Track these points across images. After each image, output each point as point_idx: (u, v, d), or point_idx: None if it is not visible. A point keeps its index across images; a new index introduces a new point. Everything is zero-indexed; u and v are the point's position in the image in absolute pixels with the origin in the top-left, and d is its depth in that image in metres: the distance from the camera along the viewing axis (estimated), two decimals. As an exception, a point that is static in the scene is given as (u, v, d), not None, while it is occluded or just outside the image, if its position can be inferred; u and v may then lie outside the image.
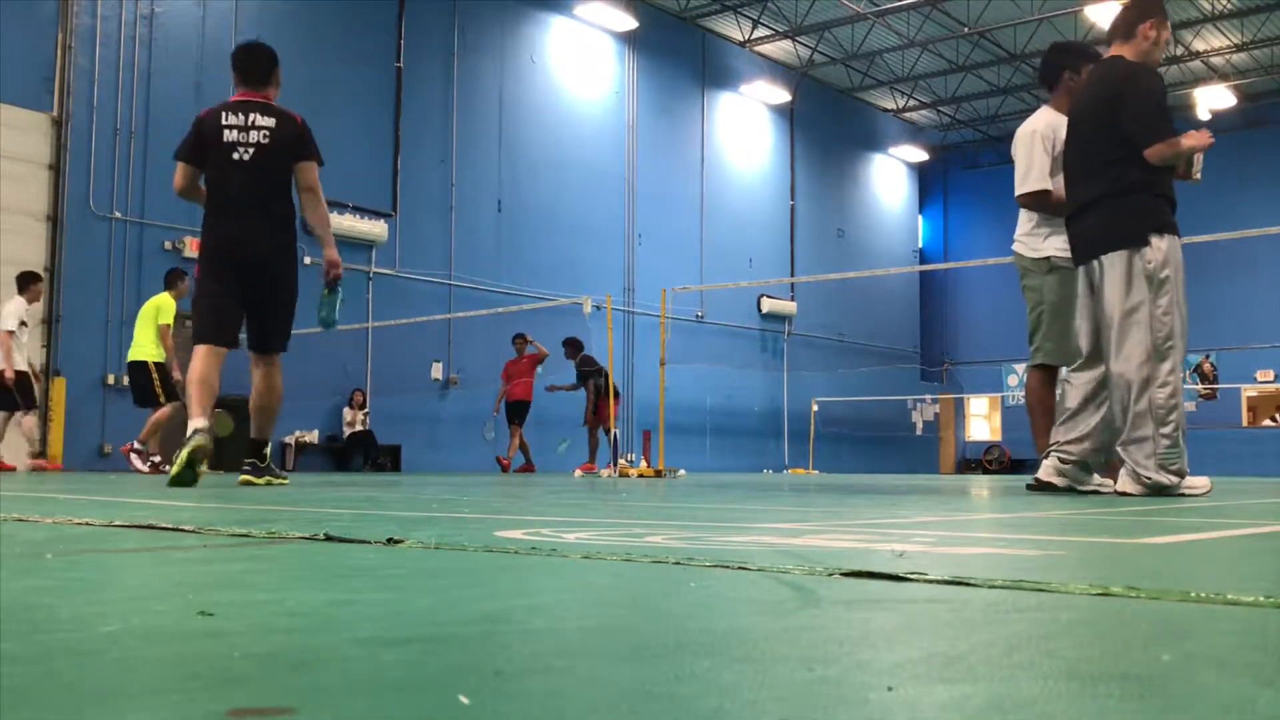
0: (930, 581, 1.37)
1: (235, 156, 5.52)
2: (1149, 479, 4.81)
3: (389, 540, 1.98)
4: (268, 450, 5.90)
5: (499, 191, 18.32)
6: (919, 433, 28.12)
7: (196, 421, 5.47)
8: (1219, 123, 23.48)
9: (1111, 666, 0.85)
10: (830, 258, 24.88)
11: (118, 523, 2.51)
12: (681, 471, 12.44)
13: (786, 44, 23.50)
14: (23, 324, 11.17)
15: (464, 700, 0.72)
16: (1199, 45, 22.98)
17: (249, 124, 5.57)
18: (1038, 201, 5.73)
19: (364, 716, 0.69)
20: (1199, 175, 5.15)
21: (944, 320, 29.53)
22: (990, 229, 28.64)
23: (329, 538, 2.07)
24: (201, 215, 5.75)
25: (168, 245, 14.19)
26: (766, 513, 3.42)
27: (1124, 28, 5.17)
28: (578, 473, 12.90)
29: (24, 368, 11.18)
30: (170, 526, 2.34)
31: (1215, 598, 1.23)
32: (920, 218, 29.70)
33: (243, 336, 5.86)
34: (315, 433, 15.46)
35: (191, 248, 14.32)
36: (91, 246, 13.53)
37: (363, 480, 8.33)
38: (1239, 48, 22.99)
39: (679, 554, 1.73)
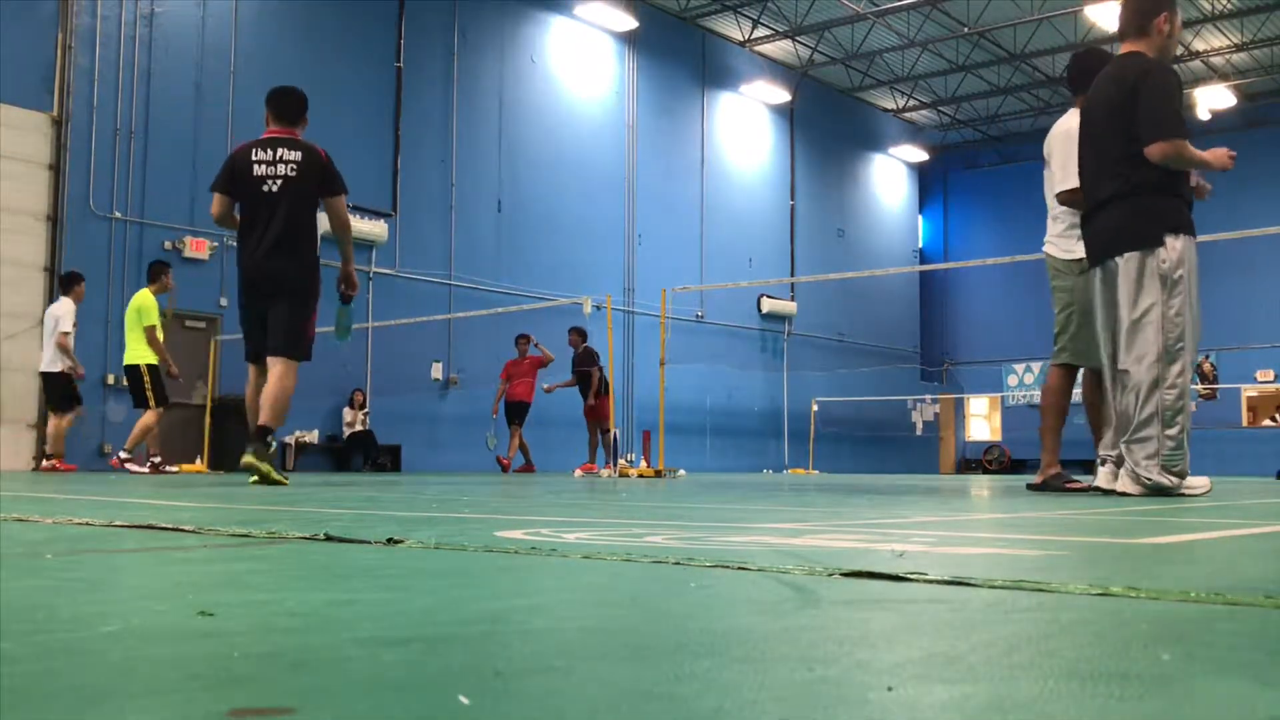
0: (930, 581, 1.37)
1: (264, 189, 6.05)
2: (1149, 479, 4.80)
3: (389, 540, 1.98)
4: (272, 438, 6.20)
5: (499, 191, 18.32)
6: (919, 433, 28.12)
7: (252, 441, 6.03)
8: (1219, 122, 23.50)
9: (1111, 666, 0.85)
10: (830, 258, 24.88)
11: (118, 523, 2.51)
12: (681, 471, 12.43)
13: (786, 44, 23.50)
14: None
15: (464, 700, 0.72)
16: (1199, 45, 22.98)
17: (277, 158, 6.10)
18: (1078, 199, 5.67)
19: (364, 716, 0.69)
20: (1208, 184, 5.13)
21: (944, 320, 29.53)
22: (990, 229, 28.68)
23: (329, 538, 2.07)
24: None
25: (168, 245, 14.19)
26: (766, 513, 3.42)
27: (1137, 23, 5.11)
28: (578, 473, 12.90)
29: (60, 368, 11.25)
30: (170, 526, 2.34)
31: (1215, 598, 1.23)
32: (920, 218, 29.71)
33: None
34: (315, 433, 15.46)
35: (191, 248, 14.34)
36: (91, 246, 13.53)
37: (363, 480, 8.33)
38: (1239, 48, 22.99)
39: (679, 554, 1.73)
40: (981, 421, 30.28)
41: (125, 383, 11.27)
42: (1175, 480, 4.80)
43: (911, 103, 27.05)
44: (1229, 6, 21.39)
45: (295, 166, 6.08)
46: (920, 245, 29.50)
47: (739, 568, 1.54)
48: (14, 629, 1.01)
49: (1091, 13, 20.64)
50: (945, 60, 24.37)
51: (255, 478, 5.98)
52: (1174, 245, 4.84)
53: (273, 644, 0.95)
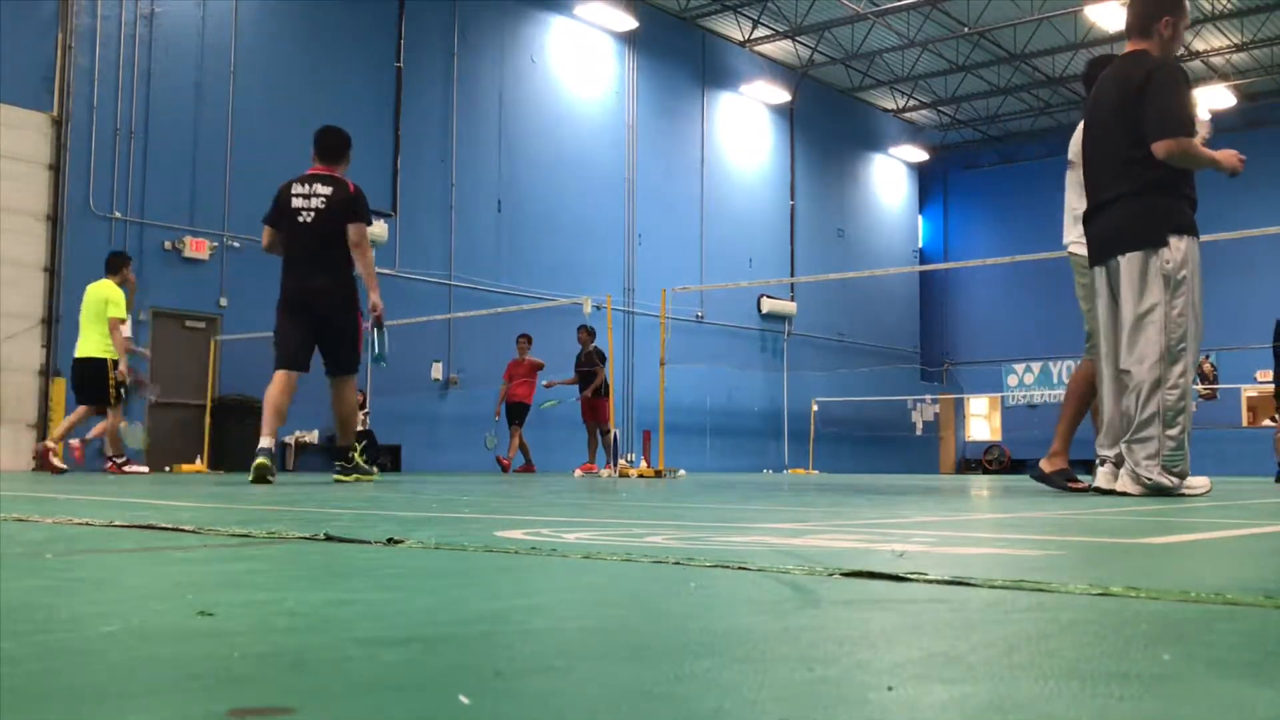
0: (930, 581, 1.37)
1: (300, 220, 6.79)
2: (1149, 480, 4.80)
3: (389, 540, 1.98)
4: (354, 453, 7.02)
5: (499, 191, 18.32)
6: (919, 433, 28.12)
7: (263, 441, 6.54)
8: (1219, 122, 23.47)
9: (1111, 666, 0.85)
10: (830, 258, 24.89)
11: (118, 523, 2.51)
12: (681, 471, 12.43)
13: (786, 44, 23.50)
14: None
15: (464, 700, 0.72)
16: (1199, 45, 22.99)
17: (311, 193, 6.82)
18: None
19: (364, 716, 0.69)
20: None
21: (944, 320, 29.54)
22: (990, 229, 28.70)
23: (329, 538, 2.07)
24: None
25: (168, 245, 14.19)
26: (766, 513, 3.42)
27: (1141, 24, 5.10)
28: (578, 473, 12.90)
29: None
30: (170, 526, 2.34)
31: (1215, 598, 1.23)
32: (920, 218, 29.71)
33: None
34: (315, 433, 15.46)
35: (191, 248, 14.34)
36: (91, 246, 13.52)
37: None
38: (1239, 48, 23.00)
39: (679, 554, 1.73)
40: (981, 421, 30.28)
41: (73, 379, 10.41)
42: (1175, 480, 4.80)
43: (911, 103, 27.05)
44: (1229, 6, 21.39)
45: (326, 199, 6.79)
46: (920, 245, 29.50)
47: (739, 568, 1.54)
48: (14, 629, 1.01)
49: (1091, 13, 20.65)
50: (945, 60, 24.38)
51: (336, 476, 6.97)
52: (1178, 246, 4.83)
53: (273, 644, 0.95)
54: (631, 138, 20.78)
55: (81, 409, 10.31)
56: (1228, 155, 4.90)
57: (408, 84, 17.06)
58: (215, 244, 14.59)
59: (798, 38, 23.11)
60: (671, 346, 13.63)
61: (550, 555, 1.76)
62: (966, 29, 22.11)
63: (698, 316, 21.55)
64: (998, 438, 29.00)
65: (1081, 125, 5.83)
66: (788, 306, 23.73)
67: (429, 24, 17.43)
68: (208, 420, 13.72)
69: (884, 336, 27.00)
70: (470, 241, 17.76)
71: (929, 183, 29.95)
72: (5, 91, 12.93)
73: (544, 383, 14.81)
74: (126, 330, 10.39)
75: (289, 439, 15.08)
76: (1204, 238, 5.11)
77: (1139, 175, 4.89)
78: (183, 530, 2.28)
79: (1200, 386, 24.62)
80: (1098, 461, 5.32)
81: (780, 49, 23.72)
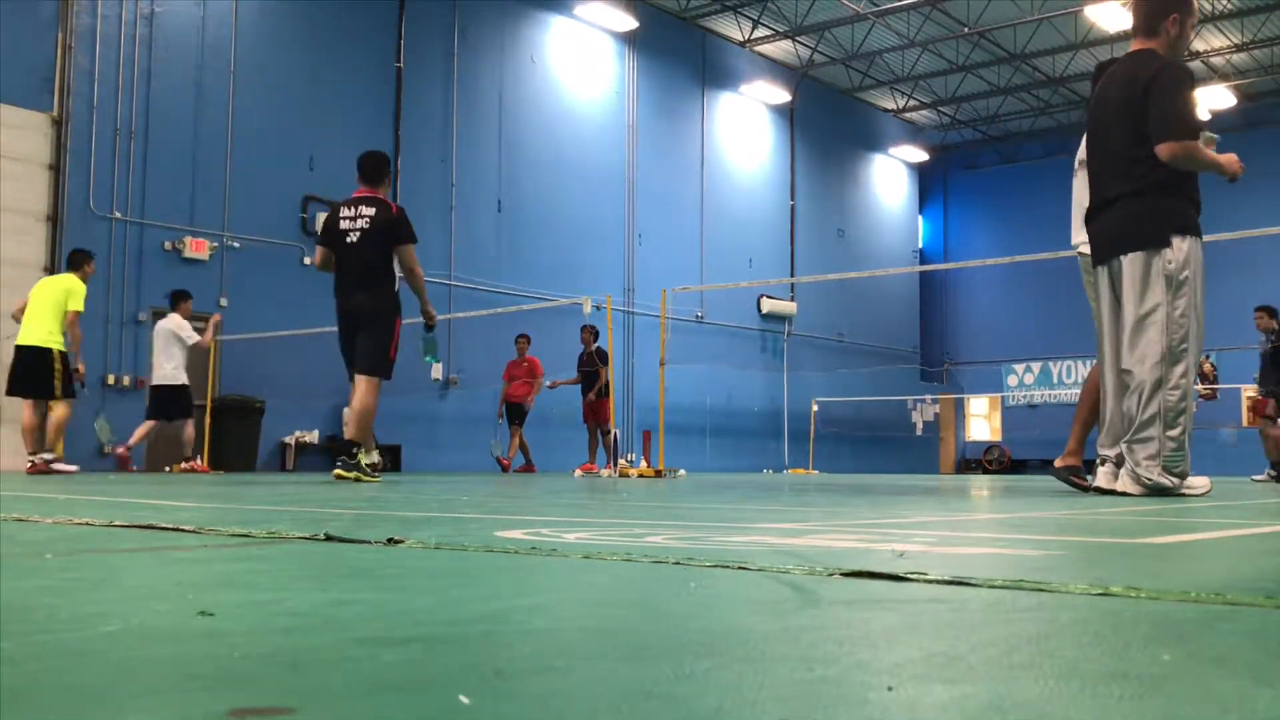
0: (930, 581, 1.37)
1: (348, 240, 7.29)
2: (1149, 480, 4.80)
3: (389, 540, 1.98)
4: (358, 452, 7.18)
5: (499, 191, 18.32)
6: (919, 433, 28.12)
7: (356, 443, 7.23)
8: (1219, 122, 23.48)
9: (1111, 666, 0.85)
10: (830, 258, 24.88)
11: (118, 523, 2.51)
12: (681, 471, 12.43)
13: (786, 44, 23.50)
14: (180, 339, 11.70)
15: (464, 700, 0.72)
16: (1199, 45, 22.98)
17: (357, 214, 7.33)
18: None
19: (364, 716, 0.69)
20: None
21: (944, 320, 29.53)
22: (990, 229, 28.69)
23: (329, 538, 2.07)
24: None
25: (168, 245, 14.19)
26: (766, 513, 3.42)
27: (1147, 22, 5.08)
28: (578, 473, 12.90)
29: (184, 380, 11.72)
30: (170, 526, 2.34)
31: (1215, 598, 1.23)
32: (920, 218, 29.71)
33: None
34: (315, 433, 15.46)
35: (191, 248, 14.33)
36: (91, 246, 13.44)
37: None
38: (1239, 48, 22.99)
39: (679, 554, 1.73)
40: (981, 421, 30.28)
41: (13, 367, 10.14)
42: (1175, 481, 4.80)
43: (911, 103, 27.05)
44: (1229, 6, 21.39)
45: (370, 220, 7.28)
46: (920, 245, 29.50)
47: (739, 568, 1.54)
48: (14, 629, 1.01)
49: (1091, 13, 20.64)
50: (945, 60, 24.37)
51: (337, 471, 7.15)
52: (1180, 246, 4.82)
53: (273, 644, 0.95)
54: (631, 138, 20.78)
55: (63, 409, 10.14)
56: (1230, 159, 4.90)
57: (408, 84, 17.06)
58: (215, 244, 14.60)
59: (798, 38, 23.11)
60: (671, 346, 13.63)
61: (550, 555, 1.76)
62: (966, 29, 22.11)
63: (698, 316, 21.55)
64: (998, 438, 28.99)
65: None
66: (788, 306, 23.73)
67: (429, 24, 17.43)
68: (208, 420, 13.72)
69: (884, 336, 27.00)
70: (470, 241, 17.76)
71: (929, 183, 29.95)
72: (5, 91, 12.93)
73: (548, 383, 14.82)
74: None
75: (289, 439, 15.10)
76: (1205, 238, 5.10)
77: (1142, 175, 4.88)
78: (183, 530, 2.28)
79: (1200, 386, 24.61)
80: (1099, 461, 5.33)
81: (780, 49, 23.72)
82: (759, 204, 23.63)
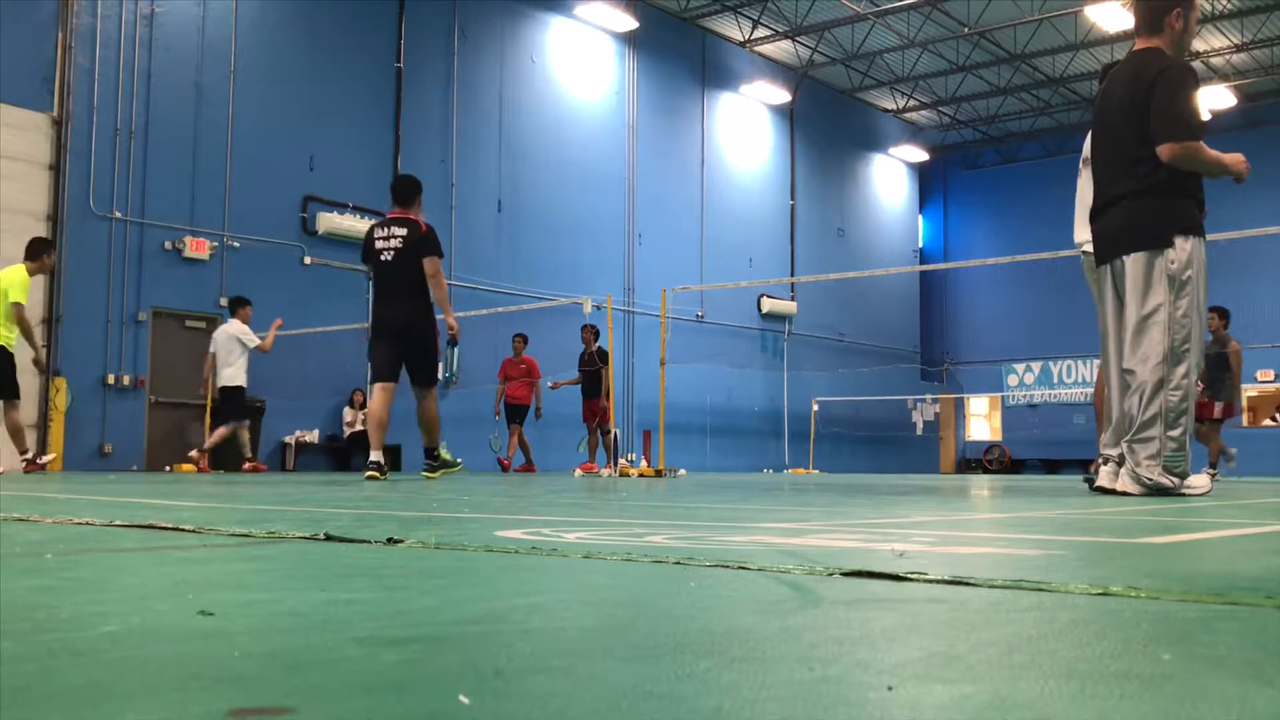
0: (930, 581, 1.37)
1: (383, 259, 7.89)
2: (1150, 480, 4.80)
3: (389, 540, 1.98)
4: (439, 450, 8.35)
5: (499, 191, 18.32)
6: (919, 433, 28.13)
7: (372, 455, 7.91)
8: (1219, 122, 23.49)
9: (1111, 666, 0.85)
10: (830, 258, 24.88)
11: (118, 523, 2.51)
12: (682, 471, 12.43)
13: (786, 44, 23.50)
14: (242, 343, 12.13)
15: (464, 700, 0.72)
16: (1199, 45, 22.98)
17: (390, 235, 7.92)
18: None
19: (364, 716, 0.69)
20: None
21: (944, 320, 29.54)
22: (990, 229, 28.70)
23: (329, 538, 2.07)
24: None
25: (168, 245, 14.19)
26: (766, 513, 3.42)
27: (1150, 19, 5.06)
28: (578, 473, 12.90)
29: (242, 383, 12.15)
30: (170, 526, 2.34)
31: (1215, 598, 1.23)
32: (920, 218, 29.71)
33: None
34: (315, 433, 15.46)
35: (191, 248, 14.34)
36: (91, 246, 13.53)
37: (363, 480, 8.33)
38: (1239, 48, 22.99)
39: (679, 554, 1.73)
40: (981, 421, 30.29)
41: None
42: (1176, 480, 4.80)
43: (911, 103, 27.05)
44: (1229, 6, 21.39)
45: (403, 240, 7.87)
46: (920, 245, 29.50)
47: (739, 567, 1.54)
48: (14, 629, 1.01)
49: (1091, 13, 20.64)
50: (945, 60, 24.38)
51: (425, 474, 8.17)
52: (1184, 246, 4.80)
53: (273, 644, 0.95)
54: (631, 138, 20.78)
55: (15, 410, 9.94)
56: (1236, 159, 4.88)
57: (408, 84, 17.06)
58: (215, 244, 14.60)
59: (798, 38, 23.11)
60: (671, 346, 13.63)
61: (550, 555, 1.76)
62: (966, 29, 22.11)
63: (698, 316, 21.55)
64: (998, 437, 29.00)
65: None
66: (788, 306, 23.73)
67: (429, 24, 17.43)
68: (208, 420, 13.72)
69: (884, 336, 27.00)
70: (470, 241, 17.76)
71: (929, 183, 29.95)
72: (5, 91, 12.93)
73: (549, 383, 14.82)
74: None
75: (289, 439, 15.09)
76: (1206, 238, 5.09)
77: (1146, 175, 4.87)
78: (183, 530, 2.28)
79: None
80: (1101, 460, 5.32)
81: (780, 49, 23.72)
82: (759, 204, 23.63)
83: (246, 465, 12.54)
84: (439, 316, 8.18)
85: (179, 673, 0.83)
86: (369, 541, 1.98)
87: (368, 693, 0.75)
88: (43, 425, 12.92)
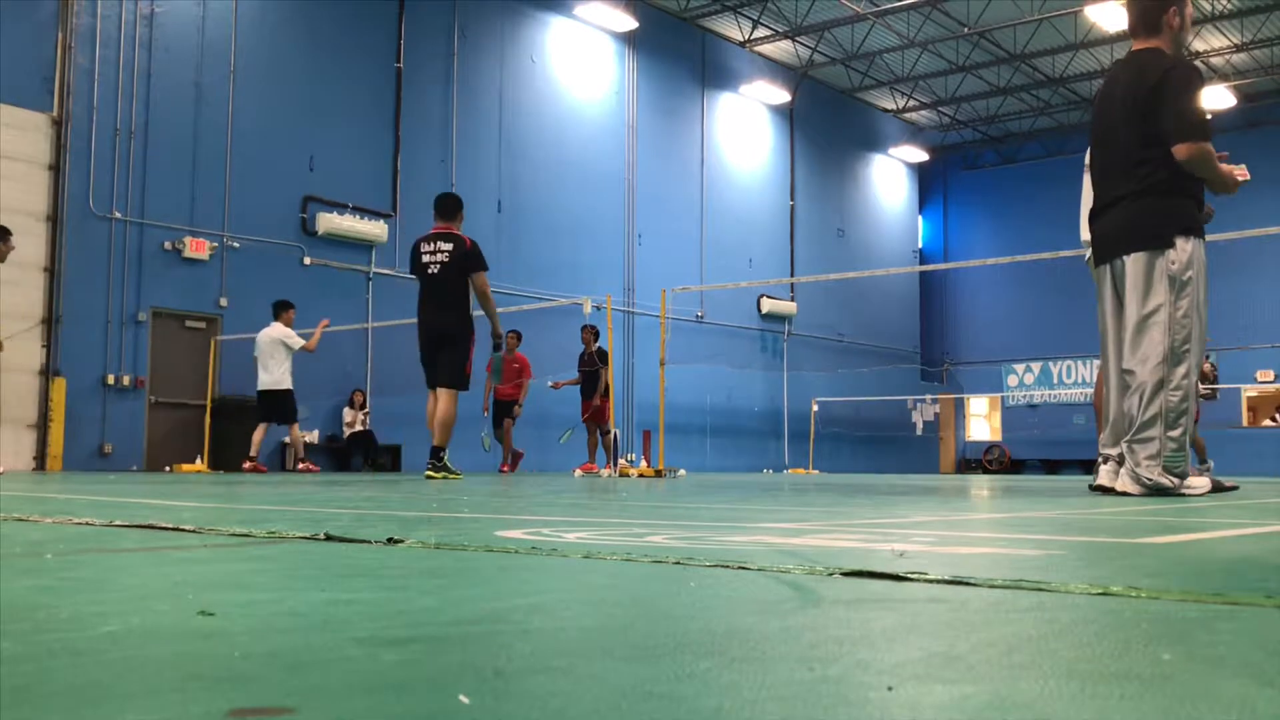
0: (930, 581, 1.37)
1: (429, 272, 8.42)
2: (1149, 480, 4.80)
3: (389, 540, 1.98)
4: (444, 454, 8.48)
5: (499, 191, 18.32)
6: (919, 433, 28.12)
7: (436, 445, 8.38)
8: (1219, 122, 23.47)
9: (1111, 666, 0.85)
10: (830, 258, 24.88)
11: (118, 523, 2.51)
12: (681, 471, 12.43)
13: (786, 44, 23.50)
14: (286, 346, 12.41)
15: (464, 700, 0.72)
16: (1199, 45, 22.99)
17: (435, 249, 8.43)
18: None
19: (364, 716, 0.69)
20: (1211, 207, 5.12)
21: (944, 320, 29.53)
22: (990, 229, 28.70)
23: (329, 538, 2.07)
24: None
25: (168, 245, 14.19)
26: (766, 513, 3.42)
27: (1147, 19, 5.05)
28: (578, 473, 12.90)
29: (289, 385, 12.41)
30: (170, 526, 2.34)
31: (1215, 598, 1.23)
32: (920, 218, 29.71)
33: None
34: (315, 433, 15.46)
35: (191, 248, 14.34)
36: (91, 246, 13.53)
37: (363, 480, 8.34)
38: (1239, 48, 22.99)
39: (679, 554, 1.73)
40: (981, 421, 30.28)
41: None
42: (1175, 481, 4.80)
43: (911, 103, 27.05)
44: (1229, 6, 21.39)
45: (448, 254, 8.38)
46: (920, 245, 29.50)
47: (739, 567, 1.54)
48: (14, 629, 1.01)
49: (1091, 13, 20.64)
50: (945, 60, 24.37)
51: (427, 472, 8.41)
52: (1184, 246, 4.80)
53: (273, 644, 0.95)
54: (631, 138, 20.78)
55: None
56: (1232, 173, 4.88)
57: (408, 84, 17.06)
58: (215, 244, 14.60)
59: (798, 38, 23.11)
60: (671, 346, 13.63)
61: (550, 555, 1.76)
62: (966, 29, 22.11)
63: (698, 316, 21.55)
64: (998, 438, 29.00)
65: None
66: (788, 306, 23.73)
67: (429, 24, 17.43)
68: (208, 420, 13.72)
69: (884, 336, 27.00)
70: (470, 241, 17.73)
71: (929, 183, 29.95)
72: (5, 91, 12.93)
73: (549, 383, 14.81)
74: None
75: (289, 439, 15.08)
76: (1205, 238, 5.09)
77: (1147, 175, 4.86)
78: (183, 530, 2.28)
79: (1201, 387, 24.60)
80: (1100, 460, 5.32)
81: (780, 49, 23.72)
82: (759, 204, 23.63)
83: (300, 466, 12.93)
84: (477, 312, 8.68)
85: (179, 673, 0.83)
86: (369, 541, 1.98)
87: (368, 693, 0.75)
88: (42, 425, 12.92)
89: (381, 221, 16.42)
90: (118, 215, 13.77)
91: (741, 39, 23.03)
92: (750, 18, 22.27)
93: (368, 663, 0.86)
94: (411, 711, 0.70)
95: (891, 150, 27.87)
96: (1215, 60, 23.71)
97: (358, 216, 16.08)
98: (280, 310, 12.60)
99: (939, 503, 4.48)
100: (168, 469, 13.31)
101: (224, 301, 14.63)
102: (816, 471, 20.02)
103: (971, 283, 29.14)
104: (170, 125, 14.32)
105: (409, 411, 16.52)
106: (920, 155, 28.56)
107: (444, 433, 8.57)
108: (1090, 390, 25.74)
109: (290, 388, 12.49)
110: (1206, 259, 4.92)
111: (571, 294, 15.27)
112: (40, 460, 12.83)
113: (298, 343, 12.46)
